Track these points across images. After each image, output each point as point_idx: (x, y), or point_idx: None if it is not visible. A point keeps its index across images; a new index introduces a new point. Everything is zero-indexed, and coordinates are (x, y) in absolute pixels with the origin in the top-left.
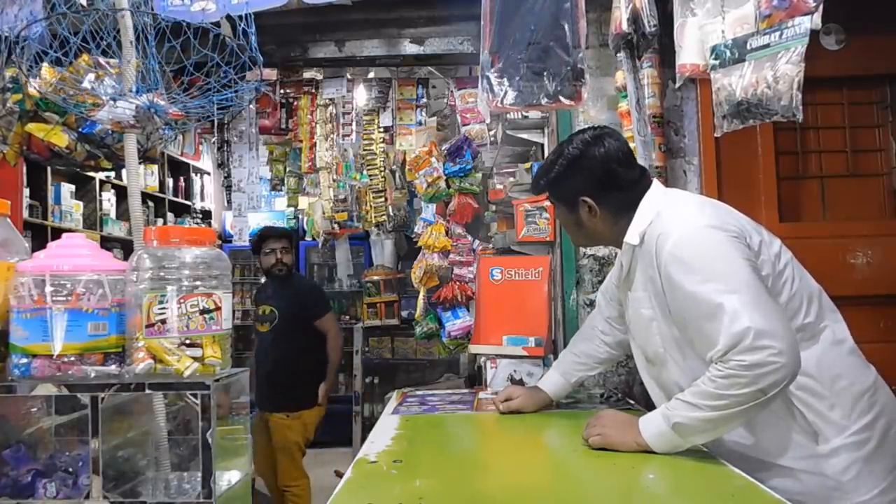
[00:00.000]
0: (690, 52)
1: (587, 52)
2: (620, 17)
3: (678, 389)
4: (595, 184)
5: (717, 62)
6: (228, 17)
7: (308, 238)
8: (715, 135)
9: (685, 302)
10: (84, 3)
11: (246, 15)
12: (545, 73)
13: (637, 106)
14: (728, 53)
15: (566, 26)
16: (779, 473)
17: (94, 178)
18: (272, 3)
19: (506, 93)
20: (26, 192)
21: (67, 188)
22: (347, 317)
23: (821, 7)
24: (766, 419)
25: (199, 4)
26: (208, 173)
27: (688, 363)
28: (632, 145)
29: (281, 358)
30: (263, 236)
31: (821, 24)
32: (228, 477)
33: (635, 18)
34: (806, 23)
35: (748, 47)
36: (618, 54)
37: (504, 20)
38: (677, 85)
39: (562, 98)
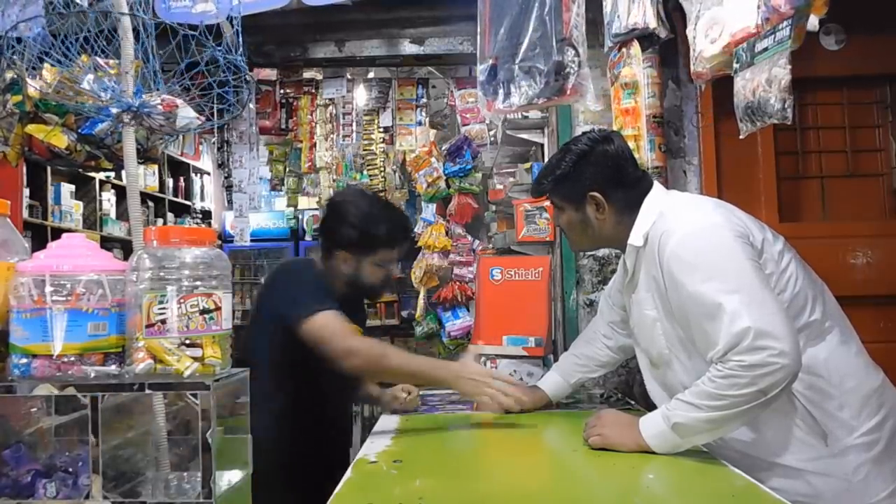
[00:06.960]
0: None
1: (589, 52)
2: (639, 12)
3: (683, 390)
4: (604, 179)
5: (737, 65)
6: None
7: (308, 238)
8: (739, 137)
9: (687, 301)
10: (84, 3)
11: (232, 18)
12: (534, 71)
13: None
14: (744, 56)
15: (549, 21)
16: (785, 474)
17: (94, 178)
18: (273, 3)
19: (503, 96)
20: (26, 192)
21: (67, 188)
22: None
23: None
24: (772, 419)
25: (201, 6)
26: (208, 173)
27: (693, 363)
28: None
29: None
30: (403, 229)
31: (818, 24)
32: (228, 477)
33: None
34: (787, 27)
35: (755, 50)
36: (626, 49)
37: (496, 23)
38: (702, 89)
39: (549, 94)
